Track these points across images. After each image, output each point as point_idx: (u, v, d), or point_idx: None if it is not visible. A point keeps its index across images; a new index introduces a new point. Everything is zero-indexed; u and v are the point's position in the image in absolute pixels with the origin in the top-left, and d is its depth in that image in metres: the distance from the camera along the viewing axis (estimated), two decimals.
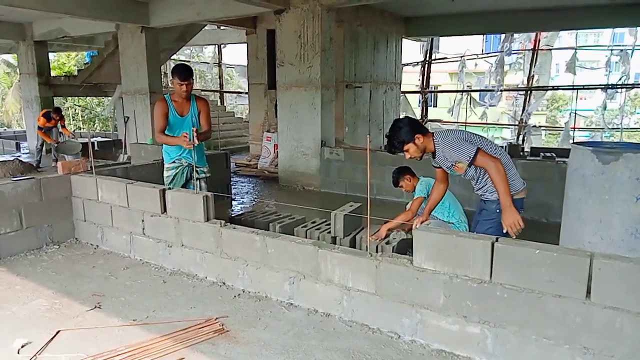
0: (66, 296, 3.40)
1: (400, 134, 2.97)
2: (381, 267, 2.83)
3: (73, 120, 23.03)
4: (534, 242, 2.44)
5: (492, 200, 2.97)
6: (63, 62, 22.94)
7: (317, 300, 3.12)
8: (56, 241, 4.54)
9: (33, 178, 4.49)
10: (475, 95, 14.21)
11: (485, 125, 14.75)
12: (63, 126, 10.37)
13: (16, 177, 5.00)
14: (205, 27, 11.95)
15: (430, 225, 3.09)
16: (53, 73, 14.41)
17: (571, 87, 12.55)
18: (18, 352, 2.63)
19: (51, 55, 15.20)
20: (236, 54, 19.24)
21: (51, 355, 2.62)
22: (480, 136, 3.09)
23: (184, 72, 4.05)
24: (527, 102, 12.61)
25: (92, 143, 6.60)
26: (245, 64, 11.58)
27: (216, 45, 16.34)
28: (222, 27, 13.08)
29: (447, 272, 2.61)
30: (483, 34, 16.43)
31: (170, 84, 4.13)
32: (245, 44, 11.00)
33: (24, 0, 7.31)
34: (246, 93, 13.26)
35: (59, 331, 2.87)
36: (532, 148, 10.65)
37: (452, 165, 3.01)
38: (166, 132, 4.15)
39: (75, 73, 14.82)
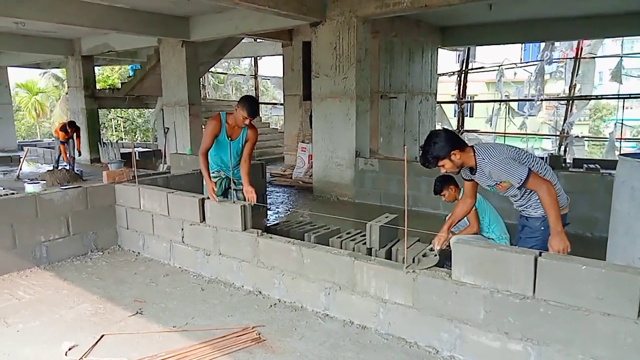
0: (109, 301, 3.52)
1: (435, 149, 2.78)
2: (419, 280, 2.79)
3: (115, 131, 24.01)
4: (579, 257, 2.36)
5: (535, 217, 2.86)
6: (107, 75, 23.99)
7: (353, 311, 3.11)
8: (100, 248, 4.72)
9: (80, 187, 4.70)
10: (514, 105, 13.86)
11: (524, 136, 14.34)
12: (78, 136, 10.39)
13: (64, 185, 5.26)
14: (242, 40, 12.24)
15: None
16: (98, 86, 15.08)
17: (617, 96, 12.07)
18: (66, 354, 2.74)
19: (96, 69, 15.91)
20: (271, 65, 19.62)
21: (96, 358, 2.72)
22: (525, 151, 2.93)
23: (254, 110, 3.99)
24: (568, 112, 12.20)
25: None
26: (281, 75, 11.77)
27: (252, 58, 16.67)
28: (258, 40, 13.34)
29: (487, 287, 2.55)
30: (522, 43, 16.09)
31: (235, 108, 4.05)
32: (281, 56, 11.19)
33: (75, 18, 7.73)
34: (281, 104, 13.46)
35: (103, 335, 2.97)
36: (574, 159, 10.30)
37: (495, 184, 2.85)
38: (213, 147, 4.18)
39: (119, 86, 15.47)
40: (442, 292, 2.70)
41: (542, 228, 2.79)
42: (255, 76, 17.37)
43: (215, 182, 4.39)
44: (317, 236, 4.30)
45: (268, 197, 7.44)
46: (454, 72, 14.07)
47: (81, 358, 2.70)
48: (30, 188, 7.25)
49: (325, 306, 3.24)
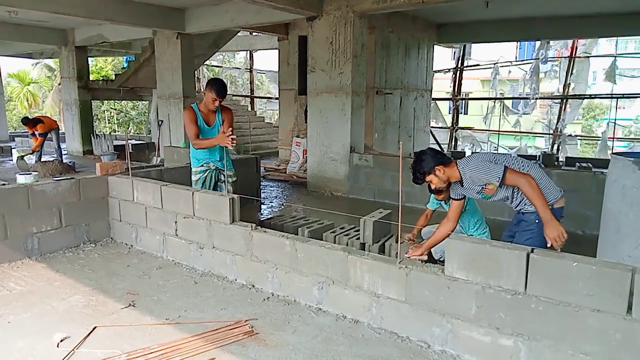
0: (102, 293, 3.51)
1: (421, 166, 3.09)
2: (412, 275, 2.81)
3: (109, 123, 23.83)
4: (571, 254, 2.38)
5: (530, 211, 2.95)
6: (101, 66, 23.77)
7: (345, 306, 3.12)
8: (93, 240, 4.70)
9: (73, 178, 4.66)
10: (508, 102, 13.92)
11: (518, 134, 14.42)
12: (39, 135, 9.82)
13: (56, 177, 5.22)
14: (238, 34, 12.17)
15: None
16: (91, 77, 14.93)
17: (610, 96, 12.16)
18: (57, 346, 2.73)
19: (89, 60, 15.73)
20: (267, 59, 19.53)
21: (88, 350, 2.71)
22: (505, 154, 3.15)
23: (221, 90, 4.13)
24: (562, 111, 12.28)
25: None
26: (276, 69, 11.72)
27: (248, 51, 16.59)
28: (254, 34, 13.29)
29: (479, 282, 2.57)
30: (517, 41, 16.15)
31: (202, 92, 4.24)
32: (277, 50, 11.14)
33: (69, 8, 7.62)
34: (276, 98, 13.42)
35: (95, 327, 2.96)
36: (567, 158, 10.36)
37: (482, 188, 3.02)
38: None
39: (113, 77, 15.33)
40: (435, 287, 2.72)
41: (537, 221, 2.89)
42: (251, 70, 17.29)
43: (206, 176, 4.39)
44: (311, 231, 4.31)
45: (262, 191, 7.43)
46: (449, 69, 14.10)
47: (73, 350, 2.69)
48: (22, 179, 7.18)
49: (318, 300, 3.26)
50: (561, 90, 12.38)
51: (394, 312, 2.90)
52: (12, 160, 11.85)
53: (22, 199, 4.21)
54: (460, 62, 13.49)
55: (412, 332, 2.84)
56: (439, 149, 3.33)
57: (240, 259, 3.73)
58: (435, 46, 11.60)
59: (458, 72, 13.53)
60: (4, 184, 5.58)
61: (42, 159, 9.64)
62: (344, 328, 2.99)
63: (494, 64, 13.58)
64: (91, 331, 2.91)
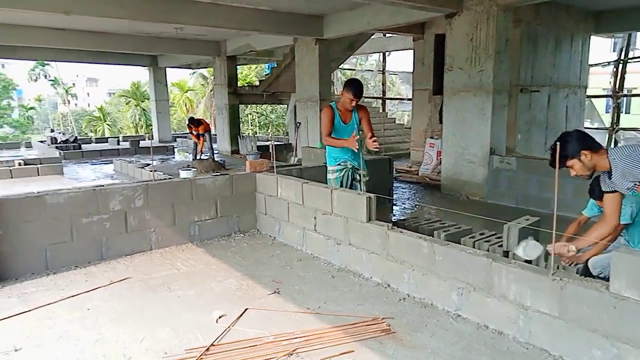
0: (251, 279, 3.85)
1: (564, 147, 2.72)
2: (567, 289, 2.55)
3: (251, 125, 26.01)
4: None
5: None
6: (246, 74, 26.06)
7: (488, 315, 2.96)
8: (242, 230, 5.18)
9: (227, 174, 5.20)
10: None
11: None
12: (198, 135, 11.65)
13: (211, 173, 5.87)
14: (372, 36, 12.31)
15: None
16: (238, 84, 16.45)
17: None
18: (216, 322, 3.07)
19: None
20: (398, 60, 19.44)
21: (241, 328, 3.00)
22: None
23: (358, 91, 4.32)
24: None
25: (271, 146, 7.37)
26: (407, 70, 11.60)
27: (380, 53, 16.69)
28: (387, 35, 13.32)
29: None
30: None
31: (339, 94, 4.44)
32: (410, 51, 11.03)
33: (224, 21, 8.55)
34: (409, 99, 13.27)
35: (246, 309, 3.26)
36: None
37: (634, 185, 2.69)
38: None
39: (257, 83, 16.68)
40: (596, 305, 2.43)
41: None
42: (383, 71, 17.35)
43: (343, 175, 4.53)
44: (447, 234, 4.16)
45: (394, 192, 7.41)
46: (609, 62, 12.43)
47: (229, 327, 3.01)
48: (184, 174, 8.24)
49: (457, 306, 3.14)
50: None
51: (544, 327, 2.67)
52: (174, 157, 13.65)
53: (186, 191, 4.82)
54: (623, 53, 11.80)
55: (566, 351, 2.58)
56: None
57: (375, 257, 3.77)
58: (591, 37, 10.35)
59: (620, 65, 11.85)
60: (170, 178, 6.45)
61: (198, 157, 10.97)
62: (486, 338, 2.84)
63: None
64: (243, 312, 3.22)
